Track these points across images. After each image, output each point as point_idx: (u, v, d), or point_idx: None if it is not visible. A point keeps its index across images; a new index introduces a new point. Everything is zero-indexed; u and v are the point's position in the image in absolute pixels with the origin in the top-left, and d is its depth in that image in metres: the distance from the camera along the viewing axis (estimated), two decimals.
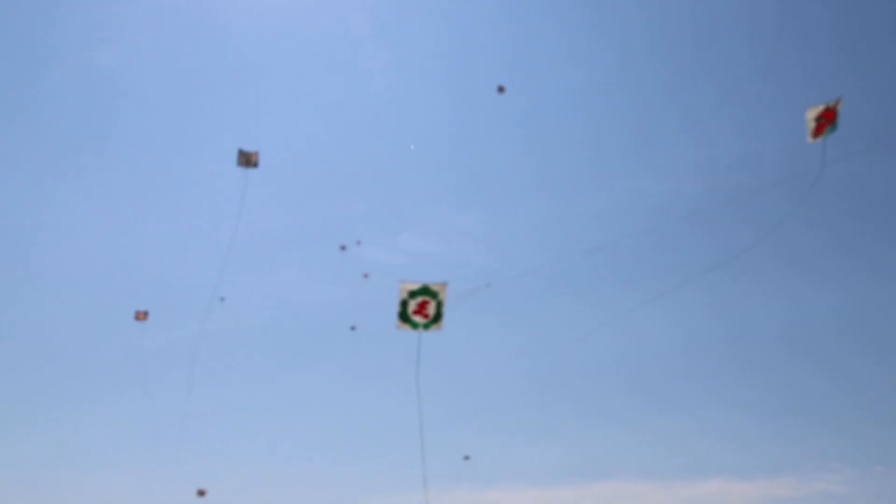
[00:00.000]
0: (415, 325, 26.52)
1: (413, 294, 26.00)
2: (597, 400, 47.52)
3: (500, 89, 27.74)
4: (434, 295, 26.06)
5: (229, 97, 54.52)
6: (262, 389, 46.59)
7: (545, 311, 51.34)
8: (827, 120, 25.36)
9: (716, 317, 50.76)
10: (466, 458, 32.86)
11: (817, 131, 25.54)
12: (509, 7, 53.84)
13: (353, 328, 35.88)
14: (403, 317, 26.32)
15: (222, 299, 34.35)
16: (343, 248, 36.09)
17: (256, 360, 46.65)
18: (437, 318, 26.43)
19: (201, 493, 31.51)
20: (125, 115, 53.60)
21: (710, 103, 50.72)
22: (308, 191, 54.21)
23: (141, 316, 33.90)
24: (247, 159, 30.63)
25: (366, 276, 35.53)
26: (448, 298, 26.48)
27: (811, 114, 25.39)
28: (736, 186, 49.84)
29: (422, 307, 26.20)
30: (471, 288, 26.70)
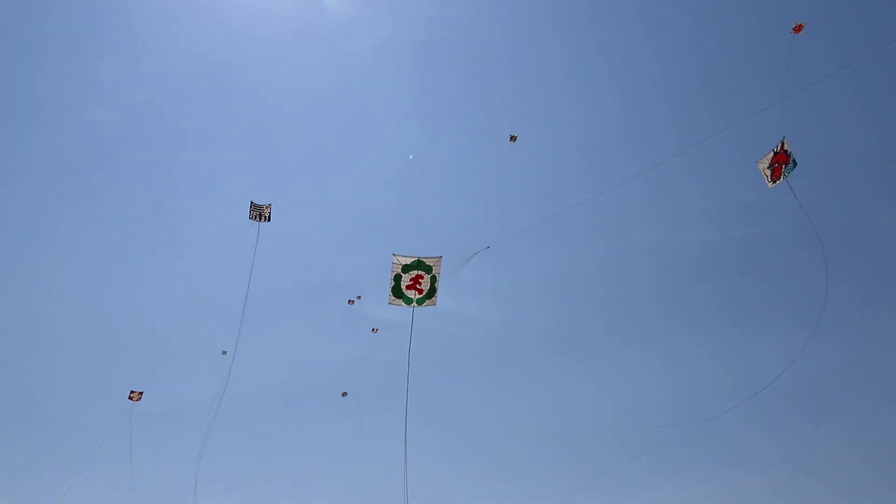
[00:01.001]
0: (408, 301, 26.40)
1: (407, 268, 26.04)
2: (597, 461, 44.81)
3: (512, 138, 28.50)
4: (428, 269, 26.19)
5: (232, 152, 56.24)
6: (270, 448, 44.70)
7: (552, 366, 49.83)
8: (781, 162, 26.33)
9: (723, 369, 48.84)
10: None
11: (774, 176, 26.80)
12: (521, 57, 56.35)
13: (344, 394, 35.64)
14: (397, 292, 26.18)
15: (224, 353, 33.95)
16: (351, 302, 36.08)
17: (265, 420, 45.07)
18: (432, 293, 26.24)
19: None
20: (124, 172, 54.96)
21: (722, 152, 51.51)
22: (315, 246, 54.65)
23: (135, 396, 33.32)
24: (259, 212, 30.86)
25: (375, 330, 35.12)
26: (442, 271, 26.38)
27: (762, 164, 26.51)
28: (747, 236, 49.71)
29: (416, 281, 26.21)
30: (470, 253, 26.53)
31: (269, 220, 30.99)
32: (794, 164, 26.18)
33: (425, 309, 26.43)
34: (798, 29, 25.17)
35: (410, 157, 53.54)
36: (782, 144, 26.11)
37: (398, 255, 26.06)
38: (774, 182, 26.78)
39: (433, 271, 26.25)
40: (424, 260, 26.15)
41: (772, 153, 26.29)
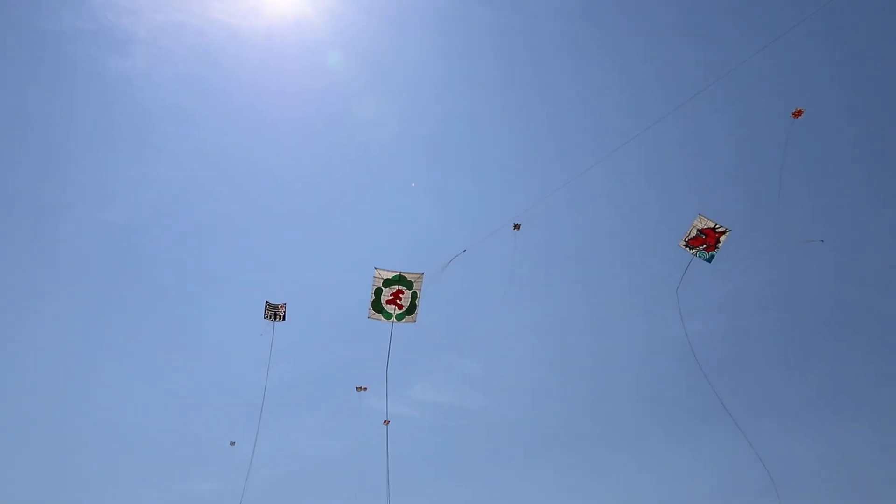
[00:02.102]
0: (388, 315, 26.22)
1: (388, 282, 25.87)
2: None
3: (516, 226, 28.05)
4: (410, 285, 26.03)
5: (247, 248, 54.95)
6: None
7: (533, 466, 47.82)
8: (707, 240, 26.46)
9: (705, 470, 46.48)
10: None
11: (692, 243, 26.63)
12: (525, 148, 55.64)
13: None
14: (377, 306, 26.00)
15: (233, 443, 33.56)
16: (360, 388, 35.01)
17: None
18: (412, 309, 26.01)
19: None
20: (138, 271, 54.13)
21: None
22: (321, 339, 53.16)
23: None
24: (274, 312, 30.97)
25: (387, 422, 34.24)
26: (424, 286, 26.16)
27: (699, 222, 26.51)
28: (761, 322, 48.12)
29: (396, 296, 25.99)
30: (448, 259, 26.28)
31: (283, 319, 31.02)
32: (710, 259, 26.55)
33: (426, 407, 25.91)
34: (798, 114, 25.25)
35: (413, 185, 53.08)
36: (724, 232, 26.31)
37: (380, 269, 25.97)
38: (687, 247, 26.80)
39: (414, 287, 26.08)
40: (406, 275, 26.01)
41: (712, 223, 26.42)
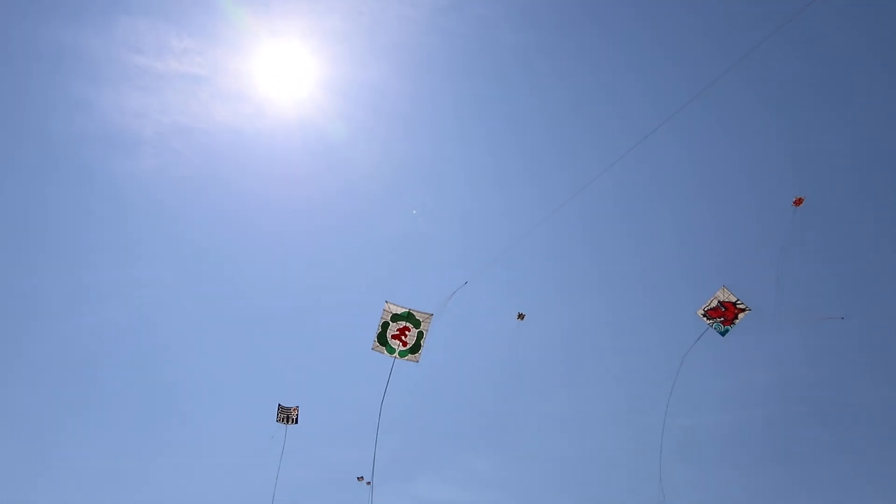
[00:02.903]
0: (391, 350, 26.19)
1: (396, 318, 25.92)
2: None
3: (520, 316, 28.35)
4: (417, 323, 26.04)
5: (250, 350, 54.47)
6: None
7: None
8: (726, 313, 26.26)
9: None
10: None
11: (711, 314, 26.45)
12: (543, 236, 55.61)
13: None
14: (381, 339, 26.03)
15: None
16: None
17: None
18: (416, 348, 26.00)
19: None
20: (144, 370, 53.24)
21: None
22: (327, 436, 51.84)
23: None
24: (287, 415, 30.98)
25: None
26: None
27: (721, 294, 26.33)
28: (764, 418, 46.73)
29: (402, 332, 25.98)
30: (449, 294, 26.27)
31: (296, 422, 30.99)
32: (724, 332, 26.26)
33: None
34: (798, 202, 25.48)
35: (414, 211, 53.04)
36: (744, 310, 26.05)
37: (390, 303, 26.05)
38: (704, 317, 26.60)
39: (421, 327, 26.07)
40: (415, 313, 26.06)
41: (734, 299, 26.20)
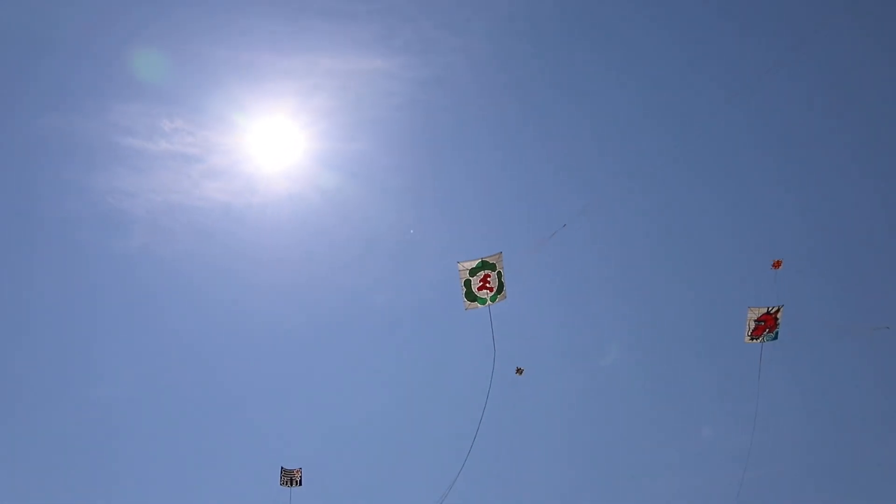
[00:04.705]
0: (483, 301, 27.32)
1: (473, 271, 27.09)
2: None
3: (519, 371, 28.49)
4: (493, 267, 27.06)
5: (250, 417, 54.06)
6: None
7: None
8: (767, 324, 27.27)
9: None
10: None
11: (756, 332, 27.44)
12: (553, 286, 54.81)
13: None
14: (470, 296, 27.25)
15: None
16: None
17: None
18: (500, 288, 27.27)
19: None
20: (138, 451, 52.39)
21: (708, 394, 48.27)
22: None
23: None
24: (290, 477, 30.53)
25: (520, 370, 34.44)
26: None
27: (752, 314, 27.24)
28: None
29: (485, 281, 27.18)
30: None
31: (300, 484, 30.31)
32: (776, 336, 27.33)
33: None
34: (777, 265, 26.59)
35: (412, 231, 53.73)
36: (778, 310, 27.08)
37: (462, 262, 27.14)
38: (752, 339, 27.64)
39: (497, 267, 27.20)
40: (487, 259, 27.11)
41: (765, 310, 27.25)
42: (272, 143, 49.51)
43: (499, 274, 27.11)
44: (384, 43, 47.89)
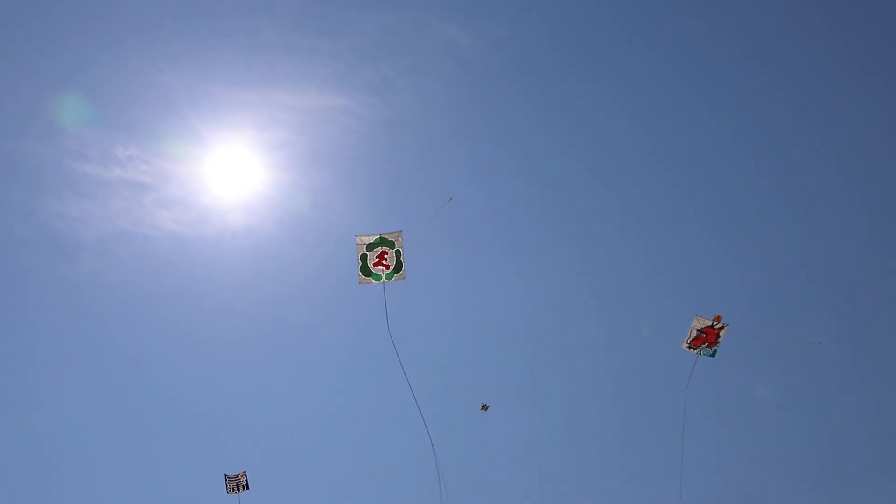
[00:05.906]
0: (377, 277, 26.56)
1: (371, 246, 26.59)
2: None
3: (484, 407, 28.81)
4: (391, 244, 26.59)
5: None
6: None
7: None
8: (708, 338, 27.35)
9: None
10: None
11: (695, 342, 27.44)
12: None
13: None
14: (365, 270, 26.55)
15: None
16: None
17: None
18: (399, 267, 26.60)
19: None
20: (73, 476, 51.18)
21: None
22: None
23: None
24: (236, 483, 30.28)
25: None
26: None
27: (697, 323, 27.32)
28: None
29: (381, 258, 26.58)
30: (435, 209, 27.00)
31: (247, 488, 30.28)
32: (713, 354, 27.32)
33: None
34: (717, 321, 27.14)
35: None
36: (723, 327, 27.17)
37: (360, 235, 26.63)
38: (690, 348, 27.54)
39: (396, 245, 26.61)
40: (386, 236, 26.55)
41: (710, 321, 27.30)
42: (227, 173, 49.93)
43: (397, 252, 26.56)
44: (345, 80, 49.36)
